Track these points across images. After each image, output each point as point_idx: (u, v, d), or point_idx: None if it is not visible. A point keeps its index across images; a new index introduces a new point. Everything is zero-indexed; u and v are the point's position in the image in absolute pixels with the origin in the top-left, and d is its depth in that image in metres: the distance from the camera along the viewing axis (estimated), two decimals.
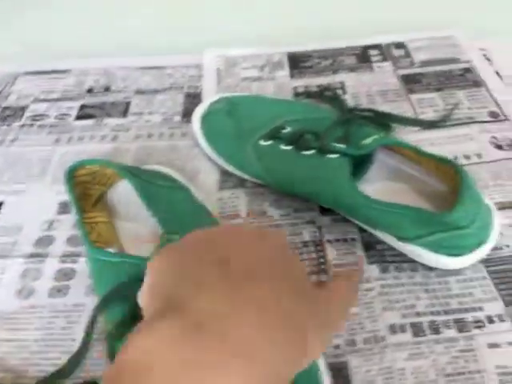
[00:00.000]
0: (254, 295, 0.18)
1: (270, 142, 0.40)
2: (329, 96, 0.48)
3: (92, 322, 0.30)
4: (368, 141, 0.36)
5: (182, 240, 0.22)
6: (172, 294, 0.19)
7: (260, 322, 0.18)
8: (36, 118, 0.50)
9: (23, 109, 0.51)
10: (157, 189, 0.36)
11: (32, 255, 0.38)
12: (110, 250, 0.35)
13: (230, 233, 0.23)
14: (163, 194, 0.36)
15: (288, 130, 0.40)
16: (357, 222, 0.36)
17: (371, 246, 0.36)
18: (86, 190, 0.38)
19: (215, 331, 0.17)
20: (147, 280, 0.21)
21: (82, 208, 0.36)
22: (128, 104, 0.51)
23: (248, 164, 0.40)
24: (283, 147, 0.39)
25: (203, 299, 0.18)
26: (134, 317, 0.26)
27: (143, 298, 0.20)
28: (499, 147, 0.43)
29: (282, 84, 0.52)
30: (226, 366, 0.16)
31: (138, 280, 0.22)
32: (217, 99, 0.47)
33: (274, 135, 0.40)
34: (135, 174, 0.37)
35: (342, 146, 0.36)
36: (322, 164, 0.37)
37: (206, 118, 0.45)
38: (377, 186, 0.38)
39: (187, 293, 0.18)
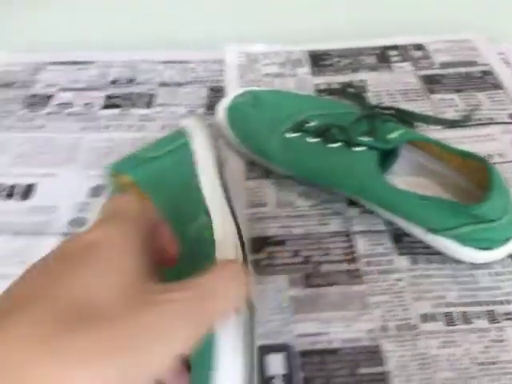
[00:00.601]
0: None
1: (296, 135, 0.41)
2: (351, 92, 0.48)
3: None
4: (394, 135, 0.37)
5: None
6: None
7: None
8: (63, 106, 0.50)
9: (50, 97, 0.51)
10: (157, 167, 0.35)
11: (67, 234, 0.38)
12: None
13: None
14: (161, 171, 0.35)
15: (312, 124, 0.41)
16: (385, 214, 0.37)
17: (399, 239, 0.37)
18: None
19: None
20: None
21: None
22: (152, 96, 0.51)
23: (274, 155, 0.41)
24: (310, 140, 0.40)
25: None
26: None
27: None
28: None
29: (304, 80, 0.53)
30: None
31: None
32: (241, 92, 0.47)
33: (299, 128, 0.41)
34: (139, 162, 0.36)
35: (368, 139, 0.37)
36: (350, 157, 0.37)
37: (231, 110, 0.45)
38: (400, 180, 0.39)
39: None
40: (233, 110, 0.45)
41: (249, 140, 0.43)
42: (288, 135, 0.40)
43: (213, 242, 0.27)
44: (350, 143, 0.38)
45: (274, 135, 0.41)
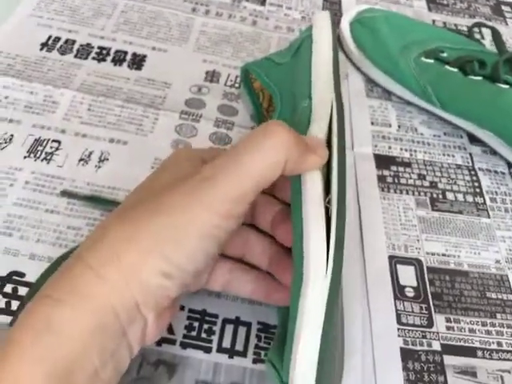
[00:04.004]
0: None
1: (432, 61, 0.39)
2: (473, 37, 0.47)
3: None
4: None
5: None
6: None
7: None
8: None
9: None
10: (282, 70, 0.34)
11: (185, 113, 0.36)
12: None
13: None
14: (287, 71, 0.33)
15: (446, 54, 0.39)
16: None
17: None
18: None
19: None
20: None
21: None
22: None
23: (405, 77, 0.39)
24: (448, 68, 0.39)
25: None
26: None
27: None
28: None
29: (421, 13, 0.50)
30: None
31: None
32: (366, 8, 0.45)
33: (435, 56, 0.39)
34: (269, 66, 0.34)
35: None
36: (495, 92, 0.36)
37: (358, 24, 0.43)
38: None
39: None
40: (360, 24, 0.43)
41: (375, 57, 0.41)
42: (424, 59, 0.39)
43: (307, 124, 0.25)
44: (493, 79, 0.37)
45: (405, 57, 0.40)
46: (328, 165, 0.23)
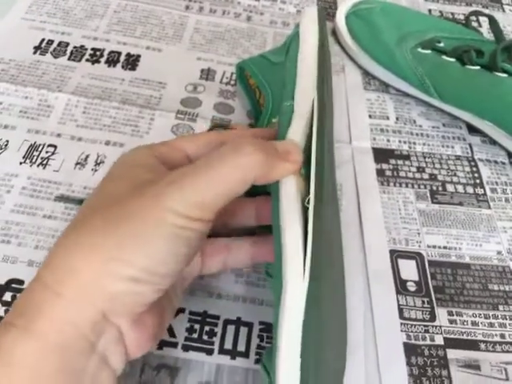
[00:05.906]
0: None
1: (429, 51, 0.39)
2: (470, 25, 0.46)
3: None
4: None
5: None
6: None
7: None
8: None
9: None
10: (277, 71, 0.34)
11: (182, 112, 0.36)
12: None
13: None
14: (278, 71, 0.33)
15: (443, 44, 0.39)
16: None
17: None
18: None
19: None
20: None
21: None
22: None
23: (402, 68, 0.39)
24: (446, 58, 0.38)
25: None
26: None
27: None
28: None
29: (417, 3, 0.50)
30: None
31: None
32: (362, 0, 0.45)
33: (432, 46, 0.39)
34: (263, 65, 0.34)
35: (510, 66, 0.36)
36: (493, 81, 0.36)
37: (353, 16, 0.43)
38: None
39: None
40: (356, 16, 0.43)
41: (372, 49, 0.41)
42: (421, 50, 0.39)
43: (287, 125, 0.25)
44: (491, 68, 0.36)
45: (401, 48, 0.39)
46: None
